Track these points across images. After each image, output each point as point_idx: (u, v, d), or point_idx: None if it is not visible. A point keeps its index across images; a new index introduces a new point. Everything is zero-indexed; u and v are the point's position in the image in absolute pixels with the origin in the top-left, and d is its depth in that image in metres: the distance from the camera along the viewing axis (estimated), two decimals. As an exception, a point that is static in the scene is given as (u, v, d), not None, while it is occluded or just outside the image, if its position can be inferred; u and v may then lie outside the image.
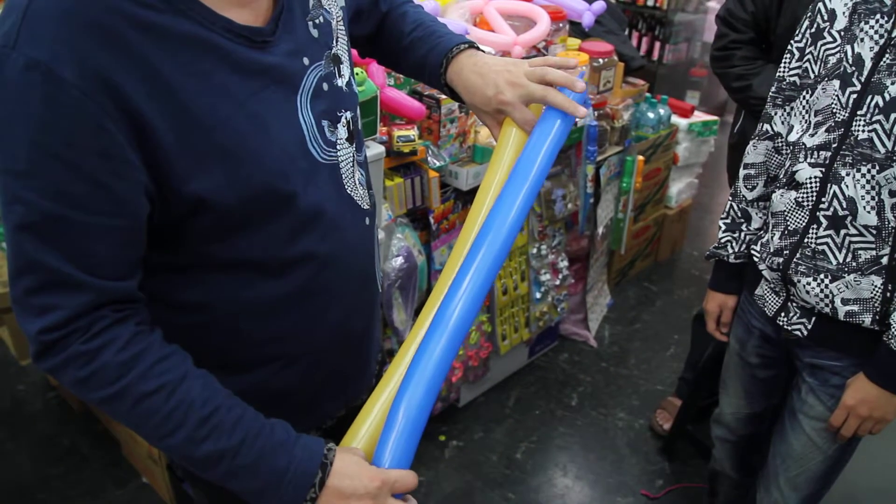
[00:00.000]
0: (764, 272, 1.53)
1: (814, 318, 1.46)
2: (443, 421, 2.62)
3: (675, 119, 3.37)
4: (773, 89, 1.53)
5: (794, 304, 1.49)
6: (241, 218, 0.89)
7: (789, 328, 1.51)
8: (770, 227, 1.51)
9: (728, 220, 1.67)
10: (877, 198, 1.30)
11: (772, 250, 1.49)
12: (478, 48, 1.15)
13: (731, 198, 1.67)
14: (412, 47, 1.19)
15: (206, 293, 0.94)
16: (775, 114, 1.53)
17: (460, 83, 1.13)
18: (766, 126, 1.56)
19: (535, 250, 2.65)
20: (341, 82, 1.02)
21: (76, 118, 0.74)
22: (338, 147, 1.00)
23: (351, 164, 1.04)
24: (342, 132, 1.00)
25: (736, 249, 1.65)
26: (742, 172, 1.63)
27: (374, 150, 1.89)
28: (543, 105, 1.08)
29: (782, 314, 1.52)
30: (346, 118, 1.01)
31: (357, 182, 1.06)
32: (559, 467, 2.49)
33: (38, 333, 0.80)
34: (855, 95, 1.30)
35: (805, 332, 1.48)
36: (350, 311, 1.09)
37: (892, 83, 1.25)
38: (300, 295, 0.99)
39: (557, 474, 2.46)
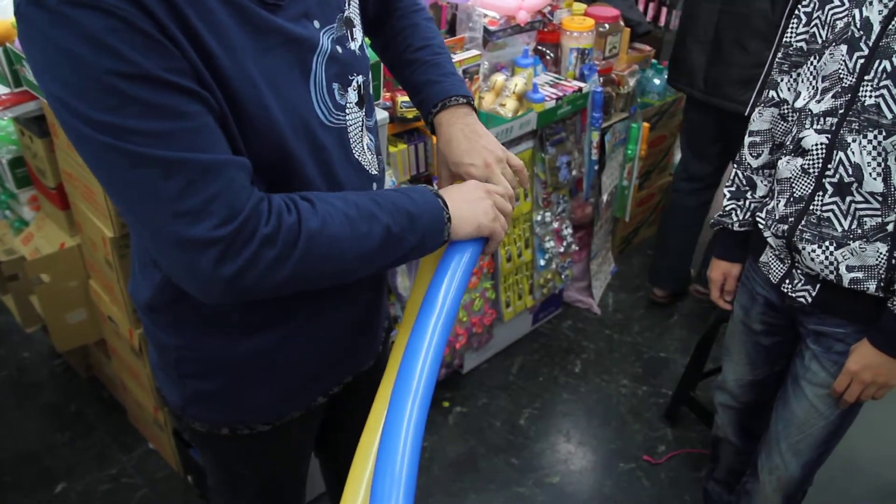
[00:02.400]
0: (769, 239, 1.53)
1: (818, 286, 1.47)
2: (447, 387, 2.64)
3: (680, 85, 3.34)
4: (779, 55, 1.52)
5: (799, 272, 1.49)
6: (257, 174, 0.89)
7: (794, 295, 1.51)
8: (776, 194, 1.51)
9: (733, 188, 1.66)
10: (883, 164, 1.29)
11: (777, 217, 1.49)
12: (475, 109, 1.20)
13: (735, 165, 1.67)
14: (413, 66, 1.21)
15: None
16: (781, 80, 1.52)
17: (445, 134, 1.16)
18: (772, 93, 1.55)
19: (539, 217, 2.65)
20: (354, 46, 1.02)
21: (139, 40, 0.74)
22: (347, 111, 1.00)
23: (360, 128, 1.03)
24: (352, 96, 1.00)
25: (740, 218, 1.65)
26: (747, 140, 1.62)
27: (378, 115, 1.87)
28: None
29: (787, 281, 1.52)
30: (357, 82, 1.01)
31: (365, 147, 1.06)
32: (562, 433, 2.52)
33: (214, 229, 0.79)
34: (862, 60, 1.29)
35: (809, 300, 1.49)
36: (362, 279, 1.10)
37: None
38: None
39: (560, 440, 2.49)
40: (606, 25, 2.66)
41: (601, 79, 2.68)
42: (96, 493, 2.22)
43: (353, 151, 1.02)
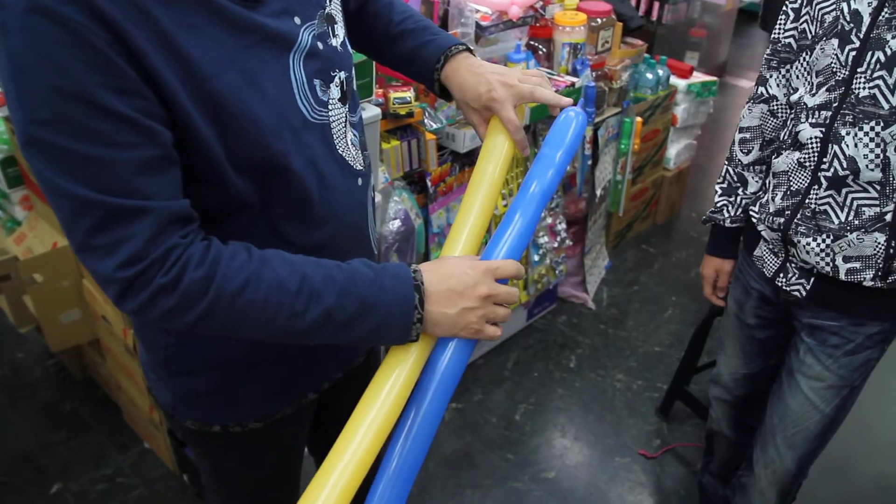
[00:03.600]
0: (763, 233, 1.53)
1: (812, 279, 1.47)
2: (442, 384, 2.63)
3: (673, 80, 3.34)
4: (767, 51, 1.52)
5: (793, 265, 1.49)
6: (232, 172, 0.88)
7: (788, 289, 1.51)
8: (771, 188, 1.51)
9: (724, 185, 1.66)
10: (882, 155, 1.28)
11: (772, 210, 1.49)
12: (472, 52, 1.18)
13: (726, 162, 1.66)
14: (401, 38, 1.19)
15: None
16: (770, 76, 1.52)
17: (455, 80, 1.14)
18: (761, 89, 1.55)
19: (532, 213, 2.65)
20: (335, 42, 1.01)
21: (87, 56, 0.73)
22: (329, 107, 0.99)
23: (343, 124, 1.03)
24: (335, 92, 0.99)
25: (732, 214, 1.65)
26: (737, 136, 1.62)
27: (370, 112, 1.87)
28: (531, 104, 1.11)
29: (781, 275, 1.52)
30: (339, 78, 1.00)
31: (349, 143, 1.05)
32: (558, 428, 2.51)
33: (115, 270, 0.79)
34: (854, 53, 1.29)
35: (804, 293, 1.49)
36: None
37: (893, 37, 1.24)
38: (291, 252, 0.99)
39: (556, 435, 2.48)
40: (599, 20, 2.65)
41: (594, 73, 2.67)
42: (92, 493, 2.21)
43: (337, 147, 1.02)
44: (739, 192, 1.64)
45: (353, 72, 1.08)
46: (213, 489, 1.35)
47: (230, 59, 0.84)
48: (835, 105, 1.33)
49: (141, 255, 0.79)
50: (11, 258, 2.06)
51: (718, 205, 1.67)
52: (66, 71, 0.72)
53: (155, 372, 1.14)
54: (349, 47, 1.07)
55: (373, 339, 0.93)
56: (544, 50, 2.59)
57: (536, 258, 2.71)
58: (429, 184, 2.20)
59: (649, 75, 3.16)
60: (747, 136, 1.60)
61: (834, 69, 1.32)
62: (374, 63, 1.86)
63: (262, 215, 0.94)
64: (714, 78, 3.51)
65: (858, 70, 1.28)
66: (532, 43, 2.57)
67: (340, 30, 1.03)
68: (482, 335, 0.97)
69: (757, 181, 1.62)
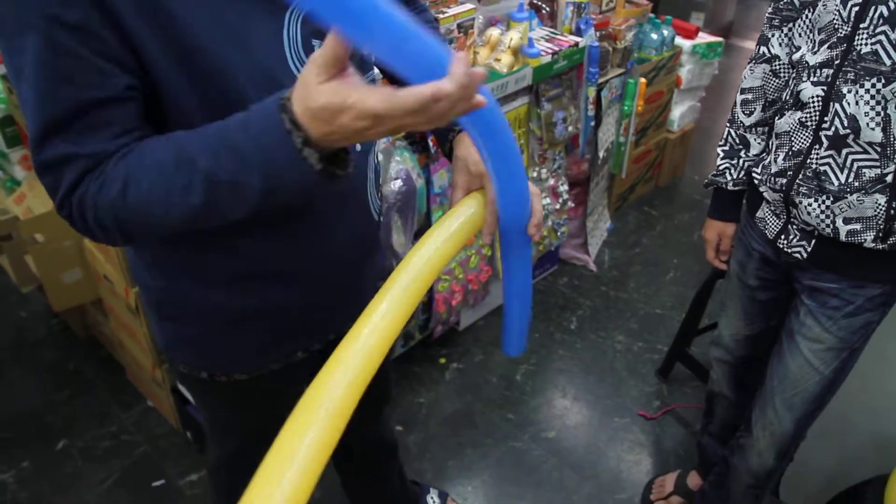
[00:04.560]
0: (765, 194, 1.52)
1: (813, 241, 1.46)
2: (443, 344, 2.65)
3: (678, 41, 3.30)
4: (769, 10, 1.49)
5: (795, 227, 1.48)
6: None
7: (789, 250, 1.50)
8: (774, 149, 1.49)
9: (726, 147, 1.64)
10: (882, 113, 1.27)
11: (774, 171, 1.47)
12: None
13: (728, 124, 1.64)
14: None
15: None
16: (772, 35, 1.49)
17: (463, 145, 1.09)
18: (763, 49, 1.52)
19: (535, 174, 2.63)
20: None
21: None
22: None
23: None
24: None
25: (734, 176, 1.63)
26: (739, 98, 1.60)
27: (375, 72, 1.85)
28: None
29: (782, 237, 1.51)
30: None
31: None
32: (558, 389, 2.53)
33: (52, 194, 0.85)
34: (857, 8, 1.26)
35: (805, 255, 1.48)
36: (341, 238, 1.09)
37: None
38: (283, 214, 0.98)
39: (556, 395, 2.50)
40: (603, -22, 2.61)
41: (598, 33, 2.63)
42: (97, 450, 2.23)
43: None
44: (741, 154, 1.62)
45: None
46: (210, 434, 1.41)
47: (216, 15, 0.82)
48: (836, 62, 1.30)
49: (72, 189, 0.84)
50: (12, 218, 2.05)
51: (720, 168, 1.66)
52: (27, 3, 0.75)
53: (151, 315, 1.17)
54: None
55: (277, 192, 0.80)
56: (547, 9, 2.55)
57: (538, 220, 2.70)
58: (430, 144, 2.18)
59: (654, 35, 3.11)
60: (749, 97, 1.58)
61: (836, 25, 1.30)
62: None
63: None
64: (720, 39, 3.47)
65: (861, 26, 1.26)
66: (535, 2, 2.53)
67: None
68: (421, 120, 0.71)
69: (759, 143, 1.60)
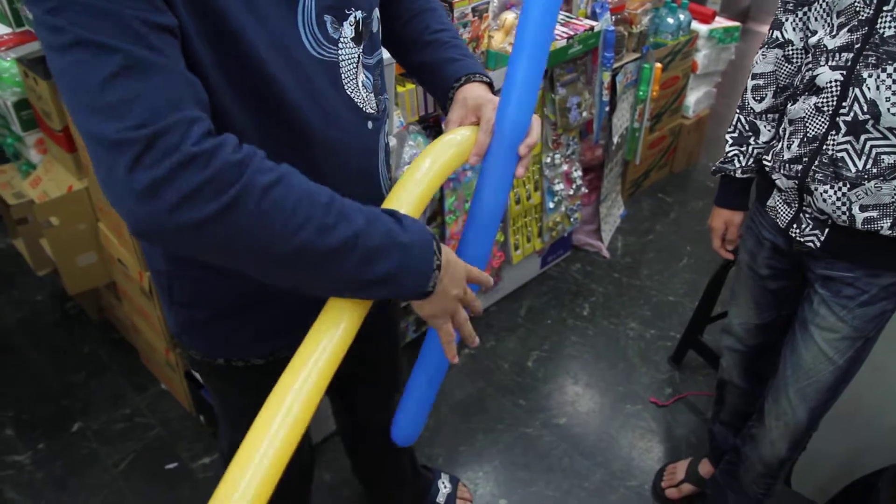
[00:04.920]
0: (777, 181, 1.50)
1: (827, 229, 1.44)
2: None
3: (695, 25, 3.27)
4: None
5: (807, 215, 1.47)
6: (230, 99, 0.87)
7: (802, 240, 1.49)
8: (786, 136, 1.47)
9: (735, 134, 1.63)
10: None
11: (787, 158, 1.45)
12: (492, 87, 1.17)
13: (738, 110, 1.62)
14: (434, 45, 1.19)
15: None
16: (786, 20, 1.47)
17: (465, 90, 1.14)
18: (776, 33, 1.50)
19: (548, 159, 2.62)
20: None
21: None
22: (340, 45, 0.96)
23: (354, 65, 1.00)
24: (348, 31, 0.97)
25: (743, 164, 1.62)
26: (750, 83, 1.58)
27: (385, 53, 1.84)
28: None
29: (794, 225, 1.50)
30: (355, 17, 0.98)
31: (360, 84, 1.03)
32: (570, 375, 2.53)
33: (129, 130, 0.70)
34: None
35: (818, 244, 1.46)
36: None
37: None
38: None
39: (568, 382, 2.50)
40: (619, -38, 2.58)
41: (613, 17, 2.61)
42: (111, 432, 2.25)
43: (346, 88, 1.00)
44: (751, 141, 1.60)
45: (377, 13, 1.05)
46: (222, 419, 1.41)
47: None
48: (857, 46, 1.28)
49: (160, 114, 0.71)
50: (28, 202, 2.07)
51: (729, 155, 1.64)
52: None
53: (164, 300, 1.16)
54: None
55: (391, 282, 0.87)
56: (563, -7, 2.53)
57: (552, 205, 2.69)
58: (444, 128, 2.17)
59: (670, 20, 3.08)
60: (760, 82, 1.56)
61: (857, 8, 1.28)
62: None
63: (262, 148, 0.93)
64: (737, 23, 3.43)
65: (885, 8, 1.24)
66: (551, -15, 2.51)
67: None
68: (443, 330, 1.01)
69: (769, 130, 1.58)
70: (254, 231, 0.76)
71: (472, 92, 1.12)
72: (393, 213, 0.90)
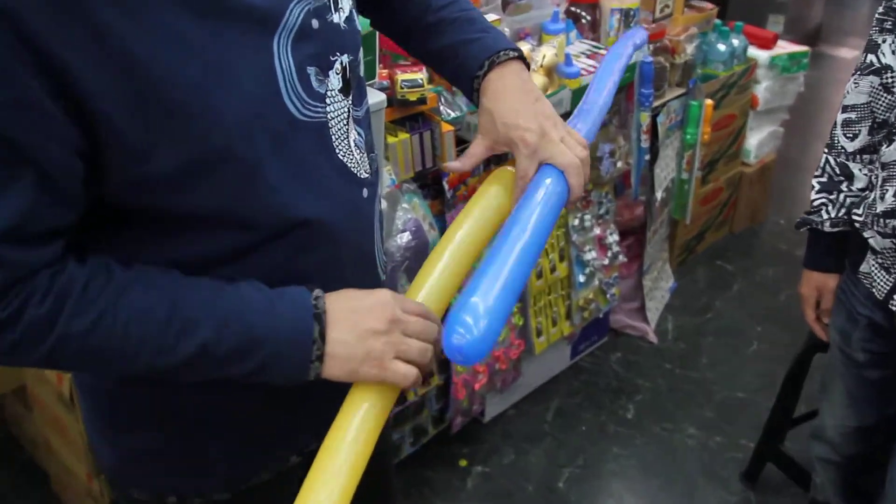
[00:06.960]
0: (871, 241, 1.51)
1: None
2: (464, 441, 2.63)
3: (752, 52, 3.34)
4: (880, 10, 1.51)
5: (913, 283, 1.48)
6: (194, 190, 0.89)
7: (906, 314, 1.50)
8: (880, 183, 1.49)
9: (823, 179, 1.65)
10: None
11: (881, 211, 1.47)
12: (526, 62, 1.17)
13: (826, 150, 1.65)
14: (440, 28, 1.18)
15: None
16: (883, 41, 1.51)
17: (494, 88, 1.13)
18: (871, 57, 1.53)
19: (576, 221, 2.64)
20: (338, 17, 1.00)
21: None
22: (327, 101, 0.98)
23: (345, 121, 1.02)
24: (335, 81, 0.99)
25: (833, 215, 1.64)
26: (840, 117, 1.61)
27: (374, 98, 1.87)
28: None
29: (895, 296, 1.50)
30: (342, 63, 1.00)
31: (353, 144, 1.05)
32: (613, 498, 2.50)
33: None
34: None
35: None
36: None
37: None
38: (271, 283, 0.99)
39: (611, 507, 2.47)
40: (657, -23, 2.66)
41: (651, 46, 2.67)
42: (18, 587, 2.21)
43: (337, 151, 1.01)
44: (843, 187, 1.62)
45: (361, 54, 1.07)
46: None
47: (190, 52, 0.83)
48: None
49: None
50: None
51: (816, 204, 1.66)
52: None
53: (96, 426, 1.15)
54: (357, 23, 1.06)
55: (260, 377, 0.96)
56: (588, 18, 2.60)
57: (582, 279, 2.71)
58: (445, 186, 2.20)
59: (721, 46, 3.16)
60: (853, 116, 1.59)
61: None
62: (377, 38, 1.86)
63: (222, 247, 0.97)
64: (805, 48, 3.51)
65: None
66: (573, 9, 2.58)
67: (346, 1, 1.02)
68: (387, 373, 0.98)
69: (865, 174, 1.60)
70: (87, 364, 0.94)
71: (500, 98, 1.12)
72: (268, 298, 0.96)
